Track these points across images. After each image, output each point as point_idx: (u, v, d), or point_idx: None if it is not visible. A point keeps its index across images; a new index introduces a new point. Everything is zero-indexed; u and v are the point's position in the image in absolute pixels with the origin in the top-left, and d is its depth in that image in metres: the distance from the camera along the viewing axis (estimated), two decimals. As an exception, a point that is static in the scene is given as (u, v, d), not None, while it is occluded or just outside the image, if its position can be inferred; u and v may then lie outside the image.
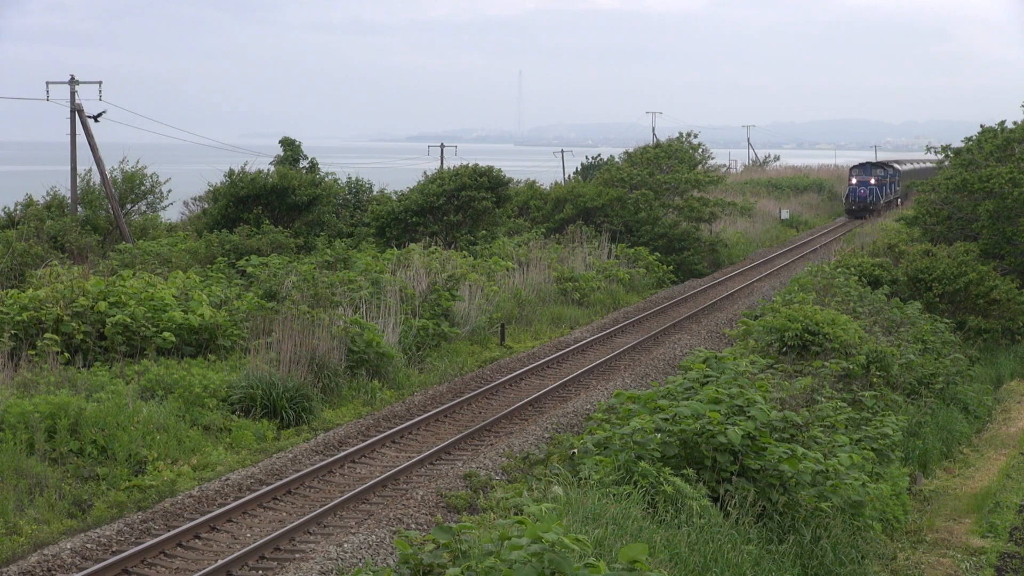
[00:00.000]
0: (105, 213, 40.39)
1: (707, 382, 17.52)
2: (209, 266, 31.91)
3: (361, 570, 10.64)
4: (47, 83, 40.55)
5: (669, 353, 27.78)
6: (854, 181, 74.08)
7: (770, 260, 51.07)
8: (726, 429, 14.25)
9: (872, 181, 73.52)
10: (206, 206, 41.98)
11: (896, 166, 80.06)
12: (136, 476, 17.04)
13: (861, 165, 76.55)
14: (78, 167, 40.92)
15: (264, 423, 19.96)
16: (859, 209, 72.36)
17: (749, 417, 14.97)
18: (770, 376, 20.28)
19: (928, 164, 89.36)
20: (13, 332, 21.20)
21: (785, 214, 67.65)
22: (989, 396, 28.66)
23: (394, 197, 43.18)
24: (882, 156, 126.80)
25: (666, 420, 14.86)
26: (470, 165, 41.97)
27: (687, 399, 16.20)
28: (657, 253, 44.00)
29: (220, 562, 13.80)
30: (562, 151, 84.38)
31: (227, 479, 17.01)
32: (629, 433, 14.60)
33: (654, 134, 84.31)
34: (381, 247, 37.42)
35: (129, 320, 22.02)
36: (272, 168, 41.83)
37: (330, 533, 15.22)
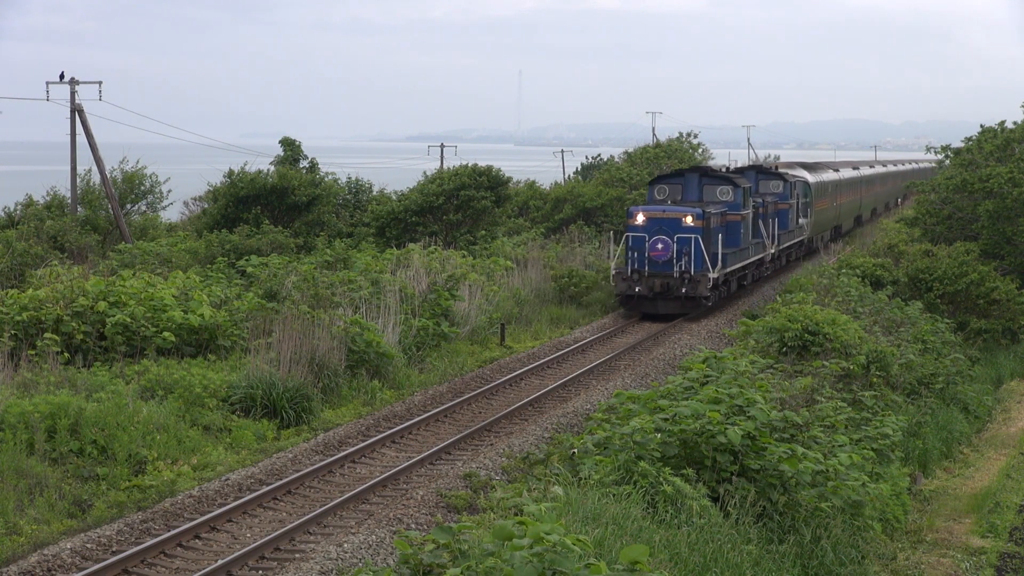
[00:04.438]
0: (105, 213, 40.41)
1: (707, 382, 17.51)
2: (209, 266, 31.91)
3: (361, 570, 10.63)
4: (47, 83, 40.67)
5: (669, 353, 27.77)
6: (640, 220, 31.80)
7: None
8: (726, 429, 14.25)
9: (689, 220, 31.25)
10: (206, 206, 42.06)
11: (801, 175, 44.07)
12: (136, 476, 17.03)
13: (675, 175, 35.30)
14: (78, 167, 40.97)
15: (264, 423, 19.94)
16: (652, 295, 31.45)
17: (749, 417, 14.97)
18: (770, 376, 20.26)
19: (904, 166, 73.91)
20: (13, 332, 21.17)
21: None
22: (989, 396, 28.69)
23: (394, 197, 43.23)
24: (882, 156, 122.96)
25: (666, 420, 14.86)
26: (470, 165, 42.04)
27: (687, 399, 16.19)
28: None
29: (220, 562, 13.80)
30: (562, 151, 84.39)
31: (227, 479, 17.00)
32: (629, 433, 14.60)
33: (654, 134, 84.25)
34: (381, 247, 37.42)
35: (129, 320, 22.00)
36: (272, 168, 41.89)
37: (330, 533, 15.21)
